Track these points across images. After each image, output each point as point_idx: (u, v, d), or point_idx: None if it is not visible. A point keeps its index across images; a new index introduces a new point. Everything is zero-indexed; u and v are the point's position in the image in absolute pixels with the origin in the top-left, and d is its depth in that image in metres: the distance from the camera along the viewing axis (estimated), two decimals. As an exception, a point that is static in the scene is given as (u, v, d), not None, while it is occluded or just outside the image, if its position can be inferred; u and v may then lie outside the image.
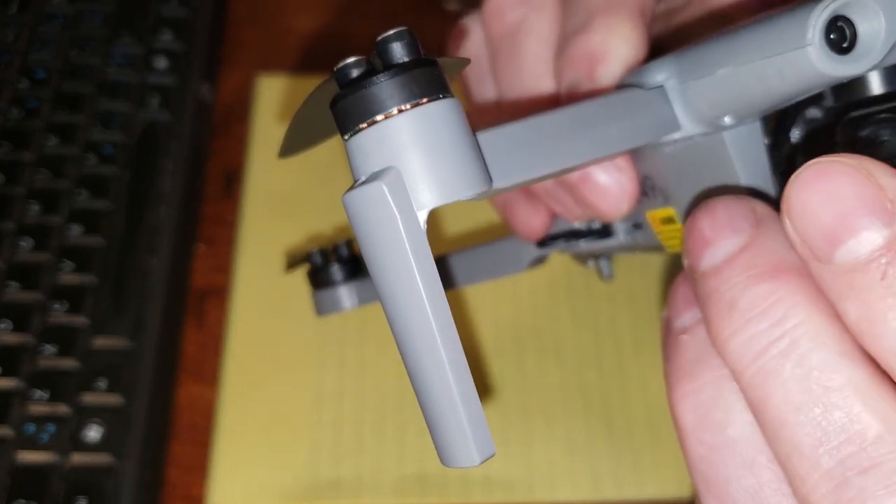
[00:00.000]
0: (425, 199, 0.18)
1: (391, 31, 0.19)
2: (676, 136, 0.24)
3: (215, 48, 0.54)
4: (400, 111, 0.18)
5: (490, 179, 0.19)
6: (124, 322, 0.41)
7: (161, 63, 0.50)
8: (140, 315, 0.41)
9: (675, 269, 0.45)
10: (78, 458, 0.37)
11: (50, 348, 0.40)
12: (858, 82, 0.21)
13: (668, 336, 0.21)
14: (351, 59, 0.19)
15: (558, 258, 0.44)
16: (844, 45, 0.19)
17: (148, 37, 0.51)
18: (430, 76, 0.18)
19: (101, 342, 0.40)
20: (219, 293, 0.45)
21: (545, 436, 0.41)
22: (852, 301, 0.17)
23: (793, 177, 0.17)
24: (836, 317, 0.17)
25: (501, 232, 0.37)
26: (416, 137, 0.18)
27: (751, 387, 0.18)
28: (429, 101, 0.18)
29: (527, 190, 0.32)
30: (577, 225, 0.32)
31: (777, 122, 0.24)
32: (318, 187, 0.48)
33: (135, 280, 0.42)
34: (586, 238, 0.32)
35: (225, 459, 0.40)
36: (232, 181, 0.49)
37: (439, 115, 0.18)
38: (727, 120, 0.23)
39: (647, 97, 0.23)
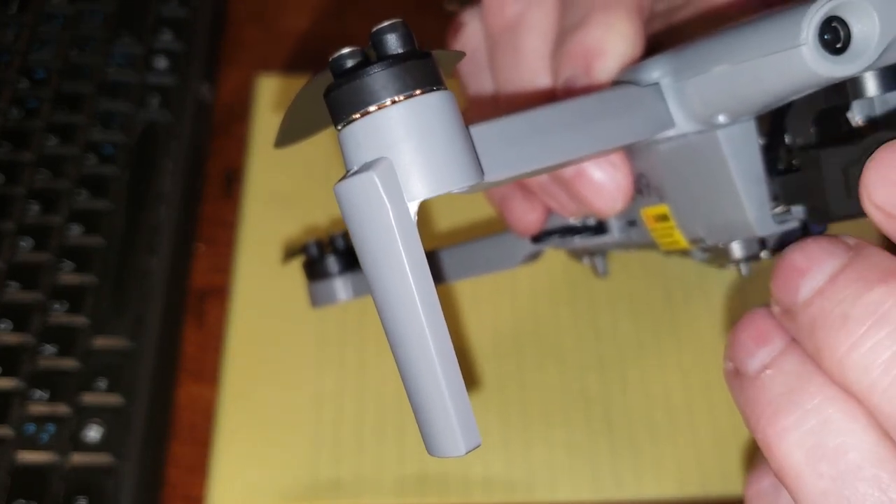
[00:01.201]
0: (416, 191, 0.18)
1: (386, 23, 0.19)
2: (671, 133, 0.24)
3: (215, 48, 0.54)
4: (393, 102, 0.18)
5: (482, 172, 0.19)
6: (124, 322, 0.41)
7: (161, 63, 0.50)
8: (140, 315, 0.41)
9: (677, 267, 0.45)
10: (78, 458, 0.37)
11: (50, 348, 0.40)
12: (855, 84, 0.20)
13: (743, 381, 0.20)
14: (346, 50, 0.19)
15: (559, 258, 0.44)
16: (838, 45, 0.19)
17: (148, 37, 0.51)
18: (425, 68, 0.18)
19: (101, 342, 0.40)
20: (219, 293, 0.45)
21: (545, 436, 0.41)
22: None
23: (869, 160, 0.17)
24: None
25: (496, 227, 0.37)
26: (409, 129, 0.18)
27: (888, 400, 0.17)
28: (422, 93, 0.18)
29: (522, 185, 0.32)
30: (572, 221, 0.32)
31: (772, 123, 0.24)
32: (318, 187, 0.48)
33: (135, 280, 0.42)
34: (581, 235, 0.32)
35: (225, 459, 0.40)
36: (232, 181, 0.49)
37: (433, 106, 0.18)
38: (721, 118, 0.23)
39: (641, 94, 0.24)
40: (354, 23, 0.56)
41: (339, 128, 0.19)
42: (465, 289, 0.45)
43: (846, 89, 0.21)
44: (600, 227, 0.31)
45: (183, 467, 0.40)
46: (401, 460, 0.40)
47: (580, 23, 0.27)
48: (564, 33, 0.28)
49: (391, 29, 0.19)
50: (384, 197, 0.18)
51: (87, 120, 0.47)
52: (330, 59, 0.19)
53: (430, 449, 0.19)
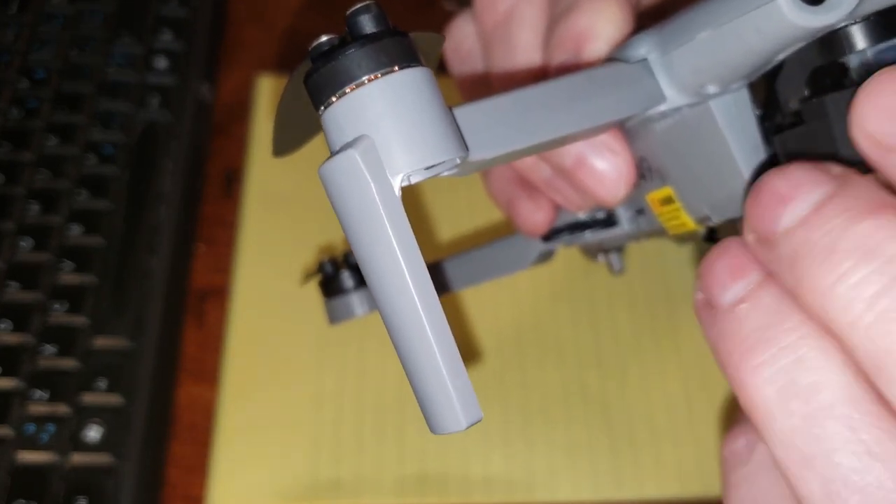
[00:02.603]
0: (399, 164, 0.18)
1: (359, 5, 0.19)
2: (663, 108, 0.24)
3: (215, 48, 0.54)
4: (370, 80, 0.18)
5: (466, 148, 0.19)
6: (124, 322, 0.41)
7: (161, 63, 0.50)
8: (140, 315, 0.41)
9: (676, 267, 0.45)
10: (78, 458, 0.37)
11: (50, 348, 0.40)
12: (844, 37, 0.20)
13: (716, 314, 0.19)
14: (324, 38, 0.19)
15: (559, 257, 0.44)
16: None
17: (148, 37, 0.51)
18: (399, 45, 0.18)
19: (101, 342, 0.40)
20: (219, 293, 0.45)
21: (545, 436, 0.41)
22: None
23: (861, 88, 0.16)
24: None
25: (503, 232, 0.37)
26: (387, 105, 0.18)
27: (870, 338, 0.16)
28: (399, 70, 0.18)
29: (527, 184, 0.32)
30: (581, 216, 0.32)
31: (766, 91, 0.23)
32: (318, 187, 0.48)
33: (135, 280, 0.42)
34: (591, 229, 0.32)
35: (225, 459, 0.40)
36: (232, 181, 0.49)
37: (410, 82, 0.18)
38: (711, 88, 0.23)
39: (630, 70, 0.23)
40: (354, 23, 0.56)
41: (320, 112, 0.19)
42: (467, 289, 0.45)
43: (837, 45, 0.20)
44: (609, 220, 0.31)
45: (183, 467, 0.40)
46: (401, 460, 0.40)
47: (569, 9, 0.27)
48: (554, 22, 0.28)
49: (364, 10, 0.19)
50: (365, 172, 0.18)
51: (87, 120, 0.47)
52: (309, 48, 0.19)
53: (432, 427, 0.19)
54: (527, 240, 0.34)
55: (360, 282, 0.37)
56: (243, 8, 0.56)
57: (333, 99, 0.18)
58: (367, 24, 0.19)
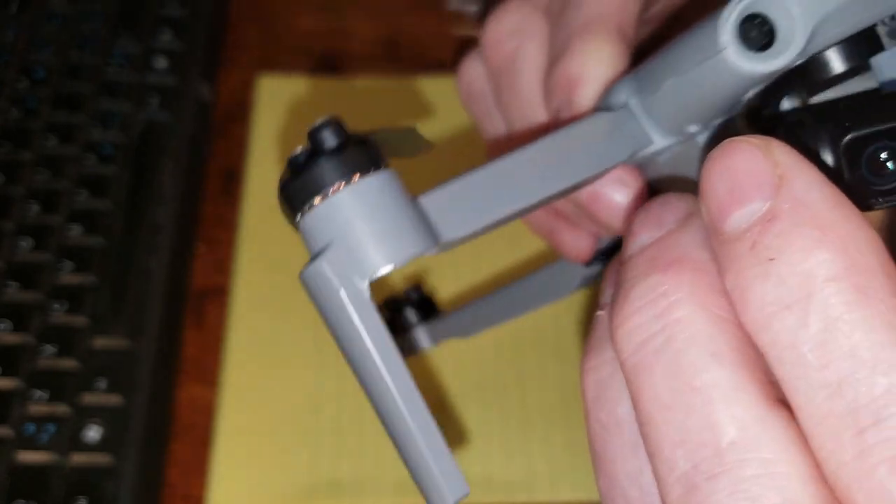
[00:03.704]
0: (365, 267, 0.19)
1: (319, 121, 0.20)
2: (651, 150, 0.24)
3: (215, 48, 0.54)
4: (333, 192, 0.20)
5: (435, 237, 0.21)
6: (124, 322, 0.41)
7: (161, 63, 0.50)
8: (140, 315, 0.41)
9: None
10: (77, 459, 0.38)
11: (50, 348, 0.40)
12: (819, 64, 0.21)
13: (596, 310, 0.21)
14: (298, 150, 0.21)
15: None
16: (765, 41, 0.19)
17: (147, 37, 0.51)
18: (359, 154, 0.20)
19: (100, 342, 0.40)
20: (219, 293, 0.45)
21: (545, 436, 0.41)
22: (728, 273, 0.17)
23: (707, 156, 0.17)
24: (722, 316, 0.17)
25: (543, 260, 0.37)
26: (351, 212, 0.19)
27: (628, 379, 0.18)
28: (360, 177, 0.20)
29: (564, 215, 0.32)
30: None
31: (750, 118, 0.23)
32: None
33: (134, 280, 0.42)
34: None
35: (224, 460, 0.40)
36: (232, 181, 0.49)
37: (368, 189, 0.20)
38: (692, 128, 0.23)
39: (613, 118, 0.24)
40: (355, 23, 0.56)
41: (297, 223, 0.20)
42: (466, 287, 0.45)
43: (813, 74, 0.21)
44: None
45: (182, 467, 0.40)
46: (400, 461, 0.40)
47: (562, 51, 0.28)
48: (552, 63, 0.29)
49: (325, 125, 0.20)
50: (333, 281, 0.19)
51: (87, 120, 0.47)
52: (287, 159, 0.21)
53: (426, 501, 0.21)
54: (570, 265, 0.34)
55: (423, 316, 0.39)
56: (244, 8, 0.56)
57: (305, 210, 0.20)
58: (329, 138, 0.20)
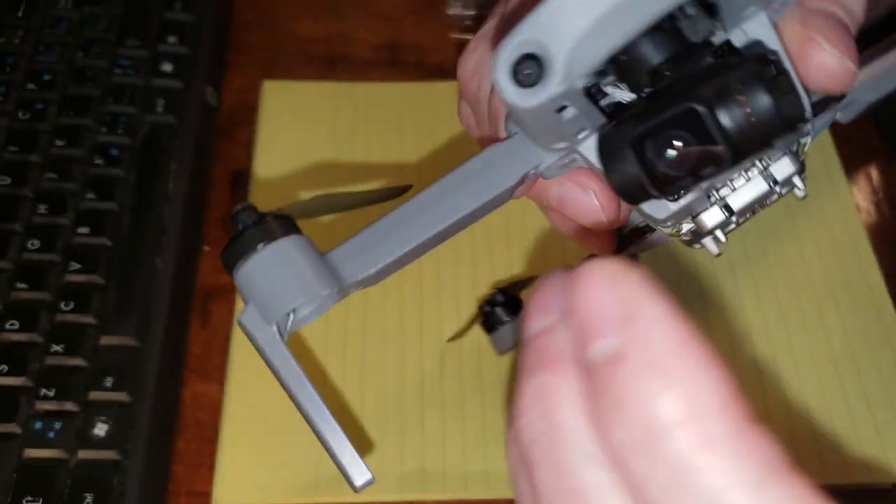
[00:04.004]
0: (271, 314, 0.25)
1: (238, 207, 0.26)
2: (545, 165, 0.27)
3: (220, 53, 0.54)
4: (246, 258, 0.26)
5: (338, 281, 0.26)
6: (130, 321, 0.42)
7: (166, 67, 0.51)
8: (146, 314, 0.42)
9: (689, 268, 0.46)
10: (84, 455, 0.38)
11: (57, 347, 0.40)
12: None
13: None
14: (239, 209, 0.26)
15: (557, 258, 0.45)
16: (538, 74, 0.22)
17: (153, 41, 0.51)
18: (264, 230, 0.26)
19: (107, 341, 0.41)
20: (224, 293, 0.45)
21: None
22: (594, 398, 0.18)
23: (574, 272, 0.18)
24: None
25: None
26: (259, 272, 0.26)
27: (526, 468, 0.19)
28: (263, 246, 0.25)
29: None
30: (637, 223, 0.33)
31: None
32: (321, 189, 0.49)
33: (141, 280, 0.43)
34: (649, 233, 0.33)
35: (229, 456, 0.40)
36: (237, 183, 0.49)
37: (275, 252, 0.25)
38: (561, 144, 0.26)
39: (505, 146, 0.27)
40: (358, 27, 0.56)
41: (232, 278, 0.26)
42: (466, 286, 0.45)
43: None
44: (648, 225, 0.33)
45: (188, 464, 0.40)
46: (401, 457, 0.40)
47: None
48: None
49: (241, 210, 0.26)
50: (249, 328, 0.26)
51: (94, 123, 0.48)
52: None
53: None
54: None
55: (513, 313, 0.41)
56: (248, 13, 0.57)
57: (232, 273, 0.26)
58: (245, 219, 0.26)
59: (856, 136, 0.52)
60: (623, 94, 0.24)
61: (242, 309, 0.26)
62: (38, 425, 0.38)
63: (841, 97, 0.29)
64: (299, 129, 0.51)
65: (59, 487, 0.37)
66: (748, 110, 0.21)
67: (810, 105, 0.27)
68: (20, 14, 0.52)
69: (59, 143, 0.47)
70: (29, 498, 0.37)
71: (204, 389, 0.43)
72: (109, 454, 0.38)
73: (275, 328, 0.26)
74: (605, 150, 0.23)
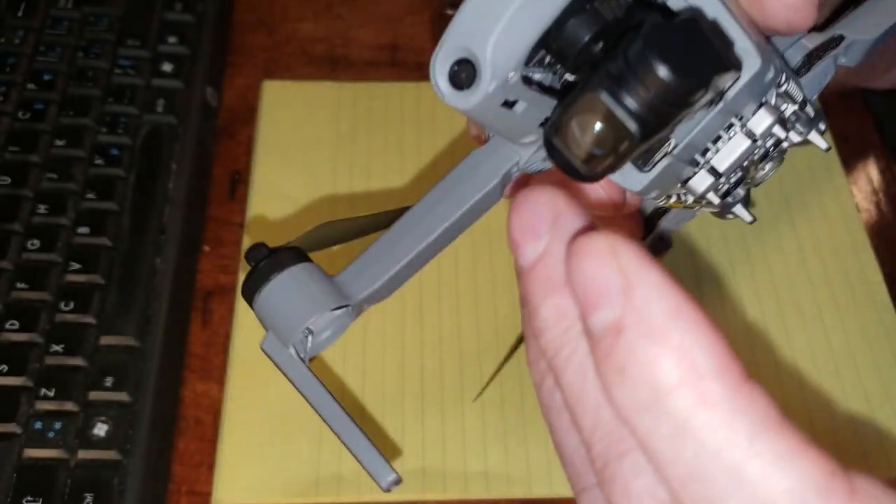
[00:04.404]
0: (286, 336, 0.27)
1: (251, 246, 0.28)
2: (524, 160, 0.28)
3: (220, 53, 0.54)
4: (262, 287, 0.27)
5: (348, 298, 0.28)
6: (130, 321, 0.42)
7: (166, 67, 0.51)
8: (146, 314, 0.42)
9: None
10: (84, 455, 0.38)
11: (57, 347, 0.40)
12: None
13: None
14: (253, 247, 0.28)
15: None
16: (469, 79, 0.23)
17: (153, 41, 0.51)
18: (274, 263, 0.28)
19: (107, 341, 0.41)
20: (224, 293, 0.45)
21: (543, 432, 0.41)
22: (595, 362, 0.19)
23: (570, 244, 0.19)
24: None
25: None
26: (273, 301, 0.27)
27: (553, 374, 0.21)
28: (273, 277, 0.27)
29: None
30: (660, 204, 0.33)
31: None
32: (321, 189, 0.49)
33: (141, 280, 0.43)
34: (666, 216, 0.34)
35: (230, 456, 0.40)
36: (237, 183, 0.49)
37: (282, 285, 0.27)
38: (530, 138, 0.27)
39: (487, 148, 0.28)
40: (357, 28, 0.56)
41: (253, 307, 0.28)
42: (466, 286, 0.45)
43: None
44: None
45: (188, 463, 0.41)
46: (401, 457, 0.40)
47: None
48: None
49: (253, 248, 0.28)
50: (271, 353, 0.27)
51: (94, 123, 0.48)
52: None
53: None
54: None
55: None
56: (248, 14, 0.57)
57: (252, 304, 0.28)
58: (257, 255, 0.28)
59: (856, 135, 0.52)
60: (568, 78, 0.25)
61: (264, 338, 0.28)
62: (38, 425, 0.38)
63: (836, 41, 0.30)
64: (299, 129, 0.51)
65: (59, 487, 0.37)
66: (644, 87, 0.21)
67: (805, 56, 0.28)
68: (20, 14, 0.52)
69: (59, 143, 0.47)
70: (29, 498, 0.37)
71: (204, 389, 0.43)
72: (109, 454, 0.38)
73: (292, 349, 0.27)
74: (544, 136, 0.24)
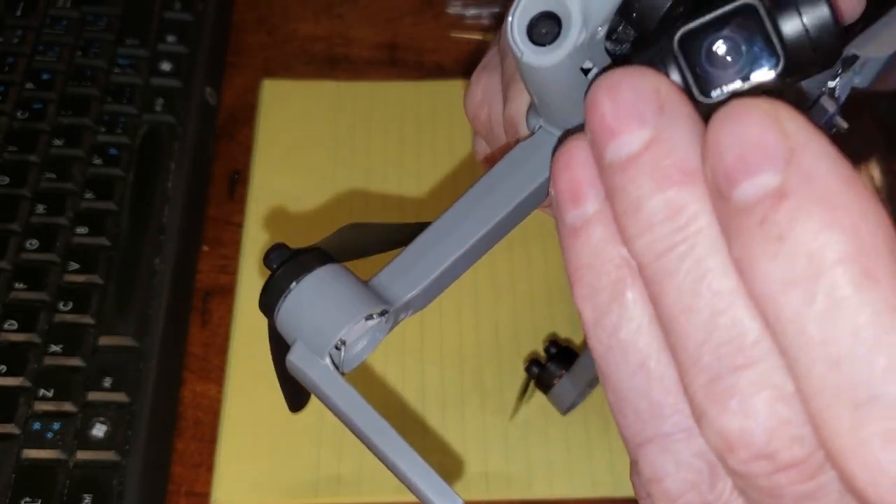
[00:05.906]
0: (319, 346, 0.24)
1: (270, 247, 0.25)
2: None
3: (219, 53, 0.54)
4: (286, 295, 0.24)
5: (386, 302, 0.24)
6: (129, 321, 0.41)
7: (165, 66, 0.50)
8: (145, 314, 0.42)
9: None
10: (83, 456, 0.38)
11: (56, 347, 0.40)
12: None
13: (563, 229, 0.20)
14: (272, 253, 0.25)
15: (555, 259, 0.45)
16: (555, 31, 0.21)
17: (152, 40, 0.51)
18: (296, 265, 0.24)
19: (106, 341, 0.41)
20: (223, 293, 0.45)
21: (543, 433, 0.41)
22: (734, 241, 0.17)
23: (714, 115, 0.17)
24: None
25: None
26: (300, 307, 0.24)
27: (651, 282, 0.18)
28: (297, 282, 0.24)
29: None
30: None
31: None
32: (321, 189, 0.49)
33: (140, 280, 0.43)
34: None
35: (229, 456, 0.40)
36: (236, 183, 0.49)
37: (308, 287, 0.24)
38: (576, 119, 0.25)
39: (531, 142, 0.27)
40: (357, 27, 0.56)
41: (275, 324, 0.25)
42: (466, 287, 0.45)
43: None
44: None
45: (187, 464, 0.40)
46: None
47: (505, 98, 0.31)
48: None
49: (273, 250, 0.25)
50: (301, 367, 0.24)
51: (93, 122, 0.48)
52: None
53: None
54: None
55: (565, 365, 0.40)
56: (247, 13, 0.57)
57: (274, 315, 0.24)
58: (276, 259, 0.25)
59: (856, 135, 0.52)
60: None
61: (291, 349, 0.24)
62: (37, 426, 0.38)
63: (850, 61, 0.29)
64: (299, 129, 0.51)
65: (57, 488, 0.37)
66: (807, 21, 0.20)
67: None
68: (19, 13, 0.52)
69: (57, 142, 0.47)
70: (28, 499, 0.37)
71: (203, 389, 0.42)
72: (108, 455, 0.38)
73: (328, 360, 0.24)
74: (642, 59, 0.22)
